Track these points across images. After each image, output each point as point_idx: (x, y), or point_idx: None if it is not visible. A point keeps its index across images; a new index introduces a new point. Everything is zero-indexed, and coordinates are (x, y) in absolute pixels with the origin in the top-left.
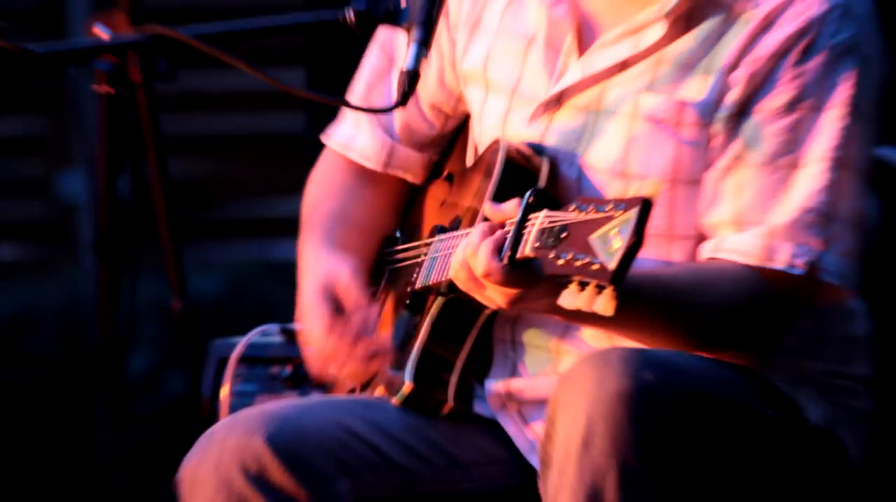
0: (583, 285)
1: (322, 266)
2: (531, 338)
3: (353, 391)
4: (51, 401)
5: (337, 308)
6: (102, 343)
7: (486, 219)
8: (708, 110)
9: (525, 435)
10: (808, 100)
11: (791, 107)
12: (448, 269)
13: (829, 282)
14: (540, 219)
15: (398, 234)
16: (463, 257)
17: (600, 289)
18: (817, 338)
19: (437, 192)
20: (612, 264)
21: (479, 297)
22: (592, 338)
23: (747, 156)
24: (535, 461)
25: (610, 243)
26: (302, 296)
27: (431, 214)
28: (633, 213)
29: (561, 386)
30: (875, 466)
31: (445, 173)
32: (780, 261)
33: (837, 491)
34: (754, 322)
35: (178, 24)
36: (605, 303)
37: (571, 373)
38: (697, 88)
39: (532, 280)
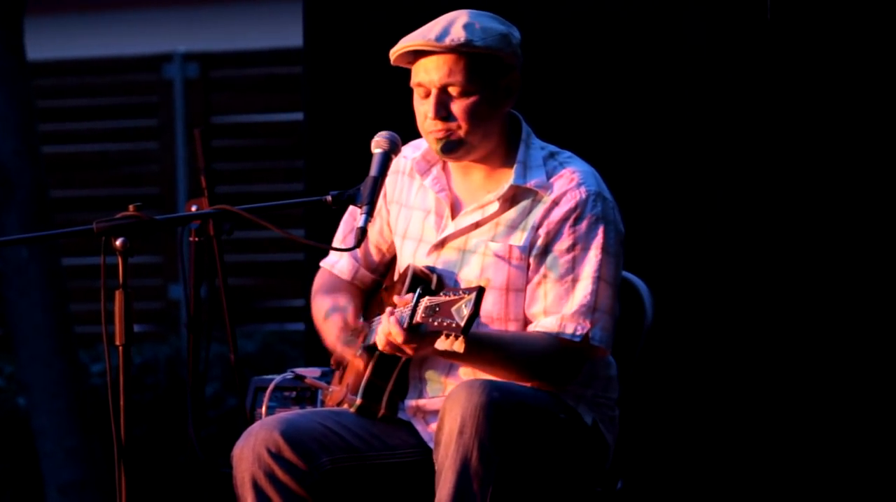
0: (448, 335)
1: (331, 302)
2: (430, 375)
3: (339, 405)
4: (161, 412)
5: (343, 325)
6: (190, 378)
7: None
8: (525, 250)
9: (427, 431)
10: (579, 244)
11: (571, 248)
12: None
13: (595, 345)
14: (424, 301)
15: (362, 319)
16: (382, 328)
17: (457, 336)
18: (589, 375)
19: (381, 294)
20: (462, 323)
21: (395, 352)
22: (465, 375)
23: (548, 275)
24: (431, 445)
25: (461, 311)
26: (320, 315)
27: (378, 306)
28: (473, 295)
29: (448, 399)
30: (619, 450)
31: (385, 285)
32: (567, 333)
33: (598, 461)
34: (552, 365)
35: None
36: (458, 345)
37: (454, 391)
38: (519, 238)
39: (421, 336)
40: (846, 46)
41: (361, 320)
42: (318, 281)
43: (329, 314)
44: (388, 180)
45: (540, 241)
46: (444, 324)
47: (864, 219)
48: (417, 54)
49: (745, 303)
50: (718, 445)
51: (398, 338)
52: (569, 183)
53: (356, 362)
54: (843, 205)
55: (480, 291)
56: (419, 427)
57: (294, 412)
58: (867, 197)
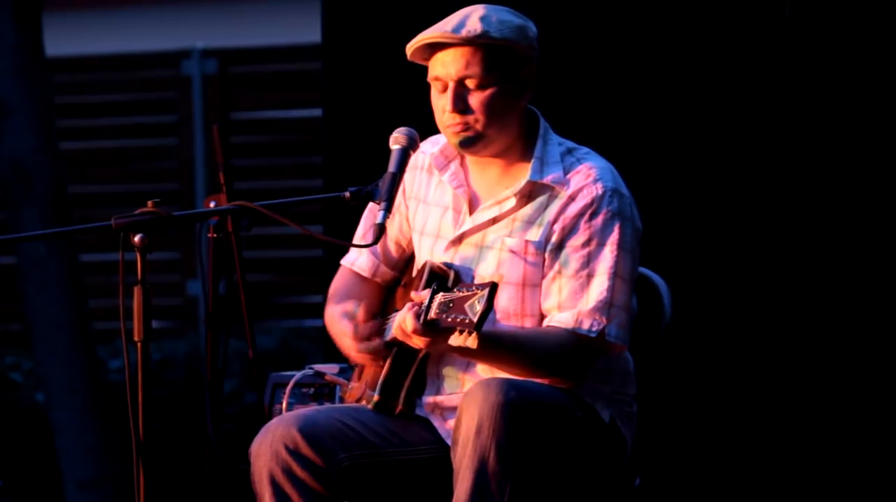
0: (461, 331)
1: (340, 309)
2: (448, 371)
3: (358, 401)
4: (179, 408)
5: (356, 326)
6: (209, 374)
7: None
8: (541, 246)
9: (444, 428)
10: (595, 240)
11: (586, 244)
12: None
13: (611, 341)
14: (439, 297)
15: (381, 315)
16: (399, 321)
17: (470, 332)
18: (606, 372)
19: (399, 291)
20: (475, 319)
21: (410, 344)
22: (482, 372)
23: (563, 271)
24: (449, 442)
25: (475, 307)
26: (333, 325)
27: (396, 302)
28: (486, 291)
29: (465, 399)
30: (637, 446)
31: (403, 282)
32: (584, 328)
33: (616, 458)
34: (568, 361)
35: None
36: (472, 341)
37: (470, 391)
38: (535, 234)
39: (436, 331)
40: (865, 43)
41: (378, 318)
42: (336, 283)
43: (338, 321)
44: (407, 176)
45: (555, 237)
46: (458, 320)
47: (882, 217)
48: (434, 49)
49: (764, 299)
50: (736, 441)
51: (415, 330)
52: (585, 178)
53: (372, 363)
54: (862, 202)
55: (493, 287)
56: (437, 423)
57: (312, 408)
58: (886, 194)
